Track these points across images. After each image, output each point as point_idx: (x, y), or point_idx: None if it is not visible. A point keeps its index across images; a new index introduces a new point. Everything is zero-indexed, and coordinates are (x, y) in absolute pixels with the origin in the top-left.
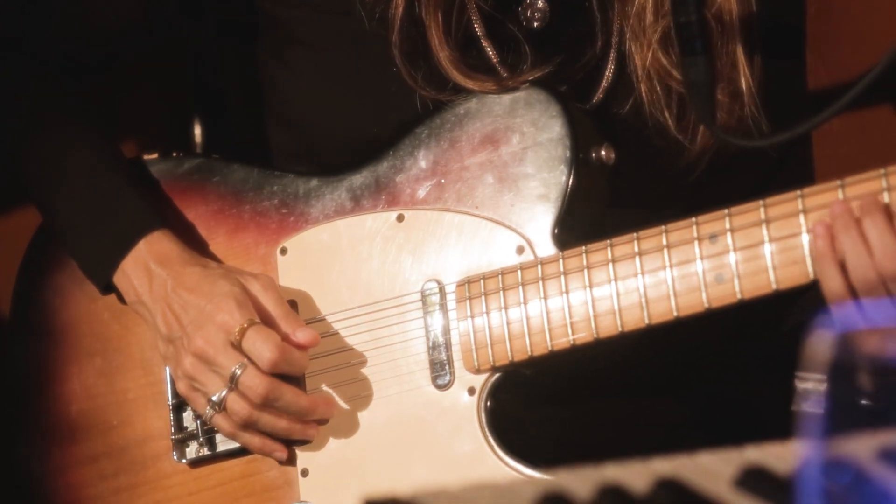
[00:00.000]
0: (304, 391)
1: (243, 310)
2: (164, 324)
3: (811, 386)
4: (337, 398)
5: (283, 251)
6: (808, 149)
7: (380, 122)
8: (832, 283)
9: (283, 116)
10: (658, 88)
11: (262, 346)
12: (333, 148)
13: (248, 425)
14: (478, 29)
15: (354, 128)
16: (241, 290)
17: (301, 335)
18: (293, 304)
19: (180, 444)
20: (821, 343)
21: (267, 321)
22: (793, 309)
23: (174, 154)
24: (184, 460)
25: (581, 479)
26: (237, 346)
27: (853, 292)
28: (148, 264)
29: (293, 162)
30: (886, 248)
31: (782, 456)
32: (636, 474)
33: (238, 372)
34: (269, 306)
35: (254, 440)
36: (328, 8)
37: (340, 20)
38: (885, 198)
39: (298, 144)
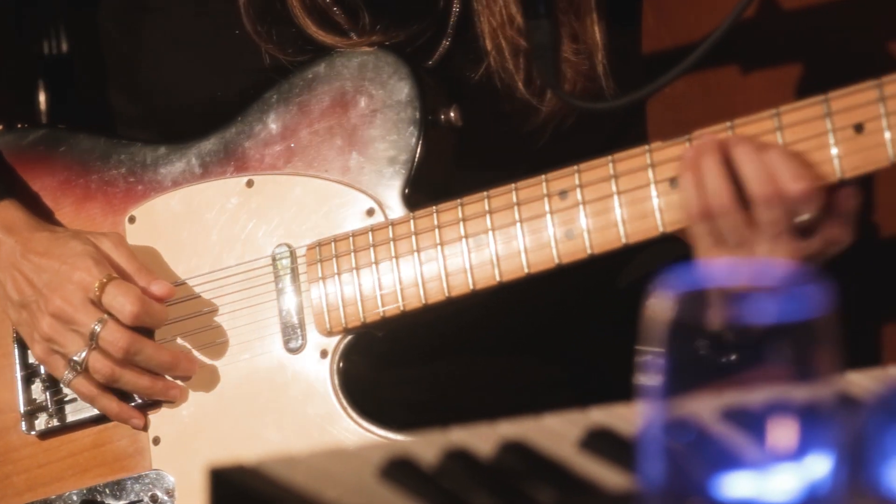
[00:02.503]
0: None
1: (100, 266)
2: (16, 290)
3: (650, 349)
4: None
5: (132, 220)
6: (642, 116)
7: (226, 87)
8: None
9: (128, 84)
10: (506, 52)
11: (123, 300)
12: (179, 115)
13: (110, 383)
14: None
15: (200, 94)
16: (94, 248)
17: (156, 288)
18: None
19: (29, 416)
20: (660, 304)
21: (122, 277)
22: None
23: (18, 126)
24: (33, 432)
25: (427, 443)
26: (97, 303)
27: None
28: None
29: (139, 131)
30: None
31: (627, 417)
32: (482, 437)
33: (98, 329)
34: (122, 262)
35: (112, 405)
36: None
37: None
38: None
39: (145, 113)
